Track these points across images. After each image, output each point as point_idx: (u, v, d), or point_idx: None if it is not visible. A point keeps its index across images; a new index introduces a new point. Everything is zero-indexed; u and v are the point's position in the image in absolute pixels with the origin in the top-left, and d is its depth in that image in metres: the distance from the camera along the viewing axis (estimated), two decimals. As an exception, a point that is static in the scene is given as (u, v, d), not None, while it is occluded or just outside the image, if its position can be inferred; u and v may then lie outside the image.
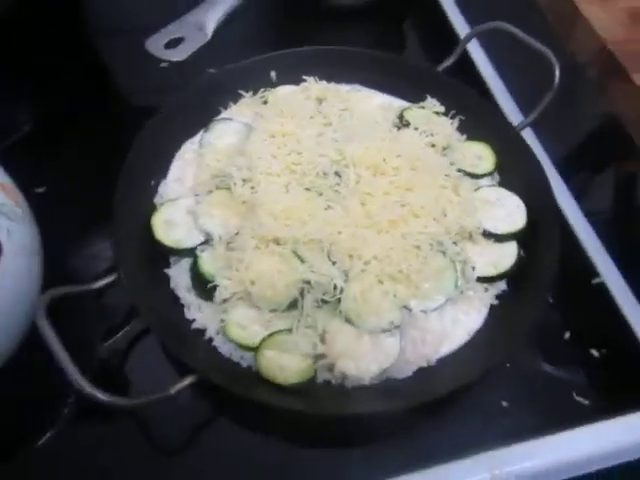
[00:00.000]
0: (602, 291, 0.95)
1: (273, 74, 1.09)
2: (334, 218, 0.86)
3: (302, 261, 0.82)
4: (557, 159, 1.12)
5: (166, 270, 0.88)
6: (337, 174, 0.92)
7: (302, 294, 0.82)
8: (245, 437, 0.83)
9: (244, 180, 0.90)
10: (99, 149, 1.09)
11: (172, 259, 0.89)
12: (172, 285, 0.87)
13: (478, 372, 0.78)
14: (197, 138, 1.02)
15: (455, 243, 0.88)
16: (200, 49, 1.10)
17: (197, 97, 1.05)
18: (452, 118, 1.05)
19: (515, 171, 0.99)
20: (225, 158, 0.96)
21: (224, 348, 0.81)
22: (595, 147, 1.17)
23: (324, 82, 1.07)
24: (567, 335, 0.91)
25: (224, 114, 1.06)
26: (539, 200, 0.94)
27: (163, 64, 1.19)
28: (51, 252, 0.96)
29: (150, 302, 0.82)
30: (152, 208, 0.93)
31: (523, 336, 0.81)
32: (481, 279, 0.88)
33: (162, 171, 0.98)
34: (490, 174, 1.00)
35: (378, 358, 0.79)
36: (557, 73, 0.99)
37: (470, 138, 1.04)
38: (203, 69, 1.18)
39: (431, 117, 1.03)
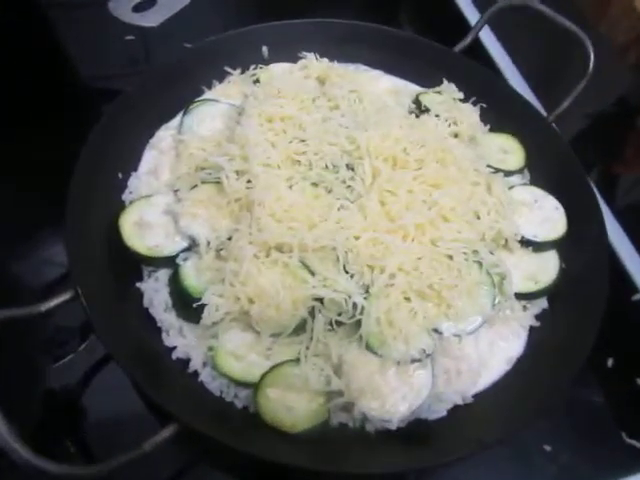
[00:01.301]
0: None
1: (265, 49, 0.93)
2: (349, 220, 0.71)
3: (312, 273, 0.67)
4: (582, 157, 1.00)
5: (138, 284, 0.70)
6: (349, 167, 0.76)
7: (312, 314, 0.66)
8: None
9: (238, 173, 0.74)
10: (53, 138, 0.90)
11: (146, 270, 0.72)
12: (145, 303, 0.69)
13: (528, 418, 0.64)
14: (175, 123, 0.85)
15: (491, 252, 0.74)
16: (175, 16, 0.91)
17: (174, 75, 0.87)
18: (473, 105, 0.91)
19: (548, 169, 0.86)
20: (211, 146, 0.79)
21: (213, 384, 0.64)
22: (622, 145, 1.05)
23: (325, 60, 0.91)
24: (610, 362, 0.78)
25: (207, 94, 0.89)
26: (577, 203, 0.81)
27: (129, 36, 1.01)
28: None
29: (117, 325, 0.64)
30: (120, 206, 0.75)
31: (576, 369, 0.67)
32: (520, 296, 0.74)
33: (132, 162, 0.80)
34: (520, 171, 0.86)
35: (407, 395, 0.64)
36: (592, 57, 0.87)
37: (493, 129, 0.90)
38: (179, 43, 0.99)
39: (452, 103, 0.88)
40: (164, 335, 0.67)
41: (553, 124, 0.89)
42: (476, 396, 0.68)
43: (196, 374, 0.65)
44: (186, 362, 0.65)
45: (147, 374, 0.61)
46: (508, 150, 0.88)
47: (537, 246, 0.77)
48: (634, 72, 0.88)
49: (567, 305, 0.74)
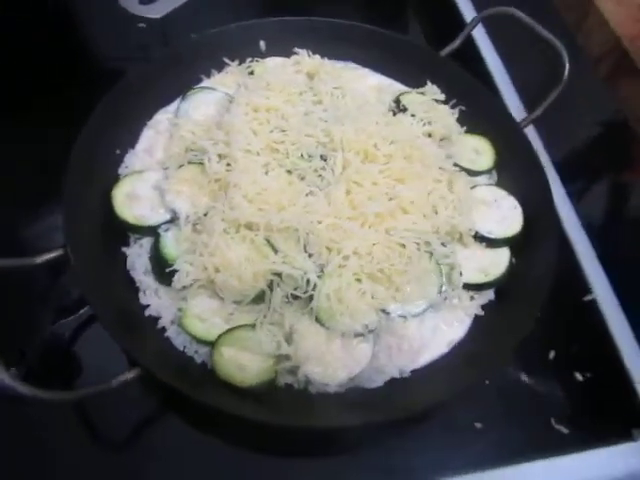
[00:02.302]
0: (593, 309, 0.88)
1: (262, 43, 1.00)
2: (315, 206, 0.78)
3: (275, 250, 0.75)
4: (558, 160, 1.04)
5: (124, 249, 0.80)
6: (323, 157, 0.84)
7: (271, 287, 0.74)
8: (193, 437, 0.75)
9: (220, 156, 0.82)
10: (66, 115, 0.98)
11: (132, 237, 0.81)
12: (128, 266, 0.78)
13: (455, 390, 0.71)
14: (173, 107, 0.93)
15: (444, 244, 0.81)
16: (181, 8, 0.99)
17: (177, 62, 0.95)
18: (452, 107, 0.97)
19: (514, 171, 0.91)
20: (201, 131, 0.87)
21: (178, 340, 0.73)
22: (598, 151, 1.09)
23: (317, 56, 0.98)
24: (552, 354, 0.84)
25: (205, 83, 0.97)
26: (537, 205, 0.86)
27: (141, 24, 1.10)
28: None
29: (100, 281, 0.73)
30: (115, 179, 0.84)
31: (507, 355, 0.74)
32: (468, 286, 0.81)
33: (130, 140, 0.89)
34: (488, 172, 0.92)
35: (348, 364, 0.72)
36: (567, 66, 0.92)
37: (469, 131, 0.96)
38: (187, 31, 1.07)
39: (431, 104, 0.94)
40: (141, 294, 0.76)
41: (524, 129, 0.94)
42: (413, 372, 0.75)
43: (164, 330, 0.74)
44: (157, 319, 0.75)
45: (121, 326, 0.70)
46: (480, 151, 0.93)
47: (490, 242, 0.83)
48: (606, 87, 0.92)
49: (511, 297, 0.81)
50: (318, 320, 0.73)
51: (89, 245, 0.76)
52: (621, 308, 0.88)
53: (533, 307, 0.76)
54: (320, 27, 1.02)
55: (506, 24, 1.11)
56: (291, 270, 0.73)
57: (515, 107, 1.08)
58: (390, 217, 0.78)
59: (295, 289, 0.73)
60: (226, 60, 0.98)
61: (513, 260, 0.83)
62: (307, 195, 0.80)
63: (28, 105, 1.01)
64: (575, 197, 0.99)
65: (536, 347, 0.84)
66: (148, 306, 0.75)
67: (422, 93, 0.98)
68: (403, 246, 0.77)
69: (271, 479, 0.73)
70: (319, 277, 0.73)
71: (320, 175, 0.82)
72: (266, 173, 0.81)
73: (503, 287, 0.82)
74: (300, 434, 0.72)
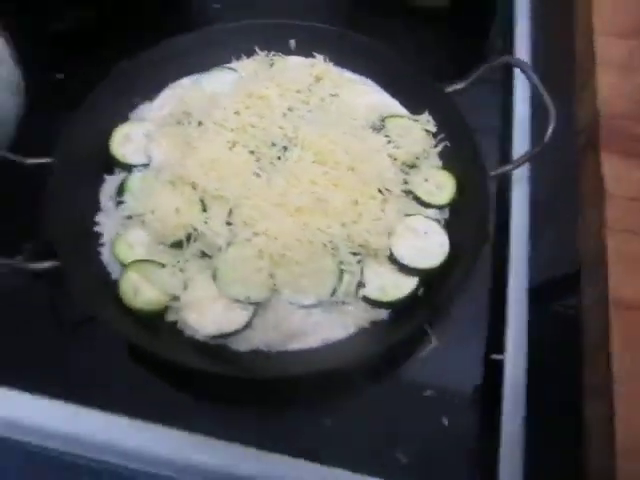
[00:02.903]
0: (494, 368, 0.88)
1: (292, 42, 1.12)
2: (254, 185, 0.89)
3: (204, 210, 0.87)
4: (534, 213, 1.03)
5: (106, 175, 0.97)
6: (285, 149, 0.94)
7: (189, 240, 0.86)
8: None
9: (200, 123, 0.96)
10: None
11: (116, 169, 0.98)
12: (101, 189, 0.96)
13: (308, 371, 0.79)
14: (196, 77, 1.09)
15: (356, 254, 0.87)
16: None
17: (217, 40, 1.11)
18: (440, 142, 1.01)
19: (464, 216, 0.94)
20: (202, 100, 1.02)
21: (105, 256, 0.89)
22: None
23: (331, 64, 1.08)
24: (428, 393, 0.86)
25: (232, 64, 1.11)
26: (465, 254, 0.88)
27: (216, 5, 1.28)
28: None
29: (67, 191, 0.91)
30: (124, 119, 1.02)
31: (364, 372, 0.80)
32: (366, 299, 0.86)
33: (150, 94, 1.06)
34: (439, 207, 0.96)
35: (221, 322, 0.82)
36: (549, 131, 0.92)
37: (446, 167, 1.00)
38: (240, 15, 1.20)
39: (408, 131, 1.00)
40: (99, 214, 0.93)
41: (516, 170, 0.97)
42: (279, 352, 0.83)
43: (101, 245, 0.90)
44: (99, 235, 0.91)
45: (66, 229, 0.87)
46: (442, 187, 0.97)
47: (402, 267, 0.88)
48: (581, 154, 0.90)
49: (399, 323, 0.85)
50: (213, 279, 0.84)
51: (79, 160, 0.94)
52: (525, 375, 0.87)
53: (401, 334, 0.81)
54: (350, 40, 1.10)
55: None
56: (206, 230, 0.85)
57: (520, 145, 1.09)
58: (309, 214, 0.87)
59: (207, 247, 0.86)
60: (256, 49, 1.11)
61: (420, 292, 0.87)
62: (253, 175, 0.91)
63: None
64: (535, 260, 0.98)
65: (417, 381, 0.87)
66: (97, 223, 0.92)
67: (416, 120, 1.03)
68: (311, 243, 0.85)
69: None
70: (228, 245, 0.85)
71: (271, 163, 0.92)
72: (230, 148, 0.93)
73: (401, 313, 0.87)
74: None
